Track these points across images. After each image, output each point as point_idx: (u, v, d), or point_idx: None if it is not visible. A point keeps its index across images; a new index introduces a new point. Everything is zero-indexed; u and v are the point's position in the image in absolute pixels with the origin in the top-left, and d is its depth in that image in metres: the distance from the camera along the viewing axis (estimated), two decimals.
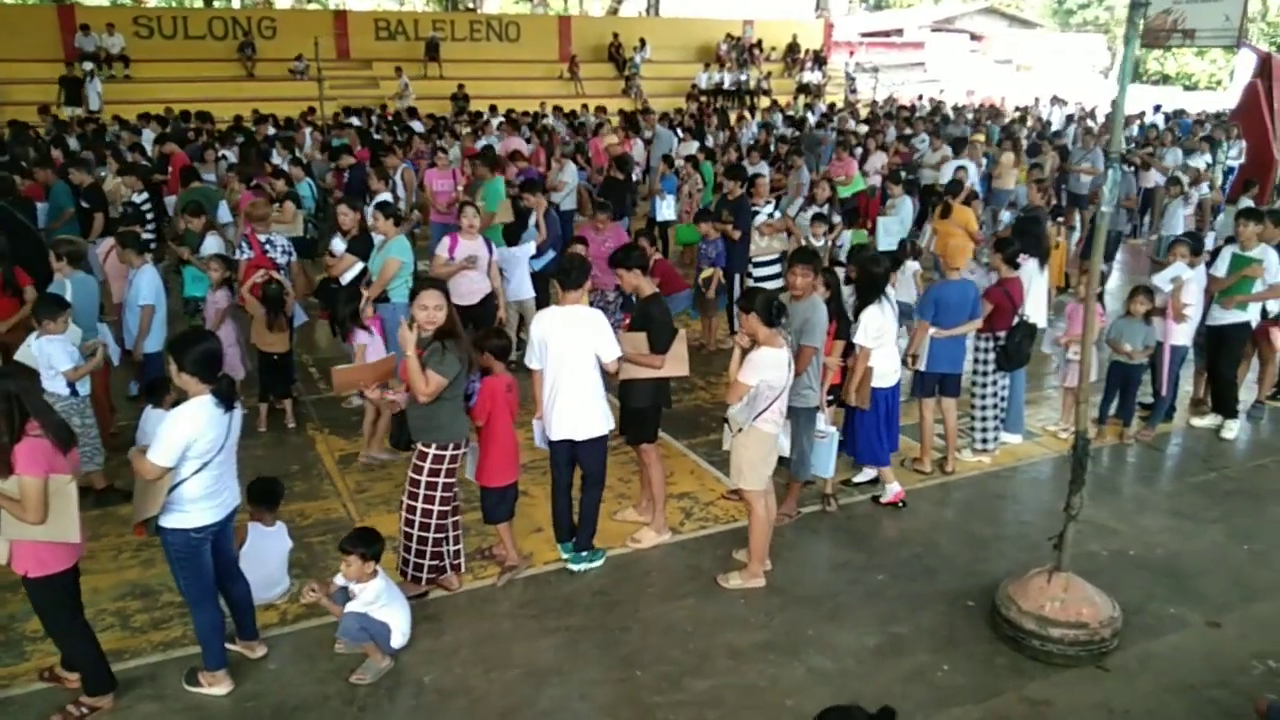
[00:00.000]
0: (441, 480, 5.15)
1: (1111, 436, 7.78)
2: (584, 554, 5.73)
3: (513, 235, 9.22)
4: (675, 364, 5.79)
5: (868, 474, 6.91)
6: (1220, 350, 7.79)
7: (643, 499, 6.35)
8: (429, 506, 5.16)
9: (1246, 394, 8.45)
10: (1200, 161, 14.51)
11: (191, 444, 4.25)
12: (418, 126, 19.12)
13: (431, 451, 5.10)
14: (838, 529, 6.35)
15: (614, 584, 5.62)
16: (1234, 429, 7.87)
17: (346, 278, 8.18)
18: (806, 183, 13.25)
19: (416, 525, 5.19)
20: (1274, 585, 5.68)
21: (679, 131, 18.86)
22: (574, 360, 5.30)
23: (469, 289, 8.03)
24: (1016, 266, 7.04)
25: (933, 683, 4.78)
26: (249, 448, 7.47)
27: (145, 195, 10.71)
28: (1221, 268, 7.72)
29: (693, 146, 16.49)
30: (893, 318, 6.41)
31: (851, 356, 6.34)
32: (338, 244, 8.39)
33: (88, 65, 22.78)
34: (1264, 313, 7.82)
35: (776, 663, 4.90)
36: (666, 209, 12.60)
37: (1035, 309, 7.39)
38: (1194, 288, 7.40)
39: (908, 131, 17.01)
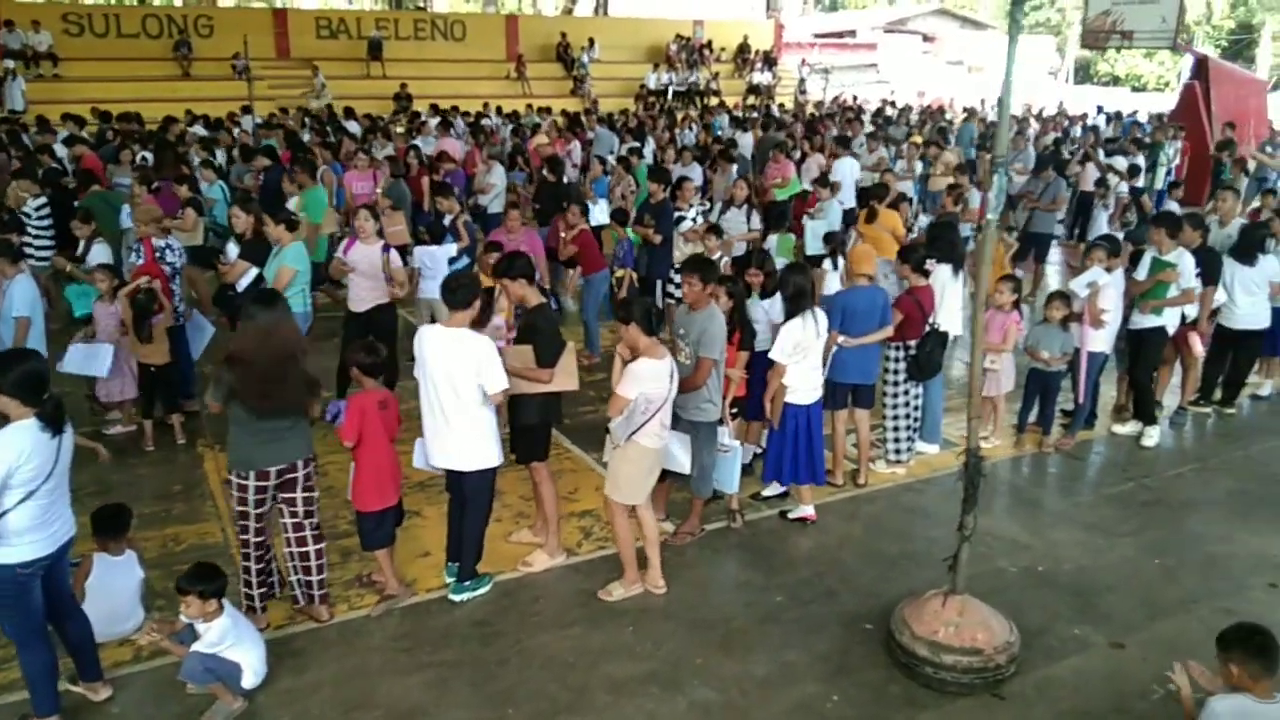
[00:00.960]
0: (237, 508, 4.89)
1: (1031, 445, 7.61)
2: (467, 582, 5.42)
3: (435, 234, 8.91)
4: (564, 378, 5.50)
5: (777, 487, 6.67)
6: (1138, 356, 7.65)
7: (538, 519, 6.05)
8: (243, 536, 4.93)
9: (1170, 399, 8.35)
10: (1124, 163, 14.43)
11: (13, 472, 3.90)
12: (353, 127, 18.64)
13: (232, 478, 4.83)
14: (741, 547, 6.10)
15: (498, 612, 5.32)
16: (1154, 436, 7.73)
17: (242, 284, 7.81)
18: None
19: (239, 554, 4.93)
20: (1180, 602, 5.51)
21: (620, 133, 18.62)
22: (454, 388, 4.96)
23: (356, 295, 7.72)
24: (925, 274, 6.83)
25: (820, 714, 4.54)
26: (133, 466, 7.14)
27: (43, 200, 10.21)
28: (1141, 271, 7.59)
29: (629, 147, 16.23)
30: (815, 333, 6.13)
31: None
32: (231, 249, 8.02)
33: (9, 63, 21.99)
34: (1183, 318, 7.70)
35: (658, 696, 4.63)
36: (599, 212, 12.30)
37: (949, 317, 7.20)
38: (1112, 292, 7.24)
39: (848, 134, 16.84)
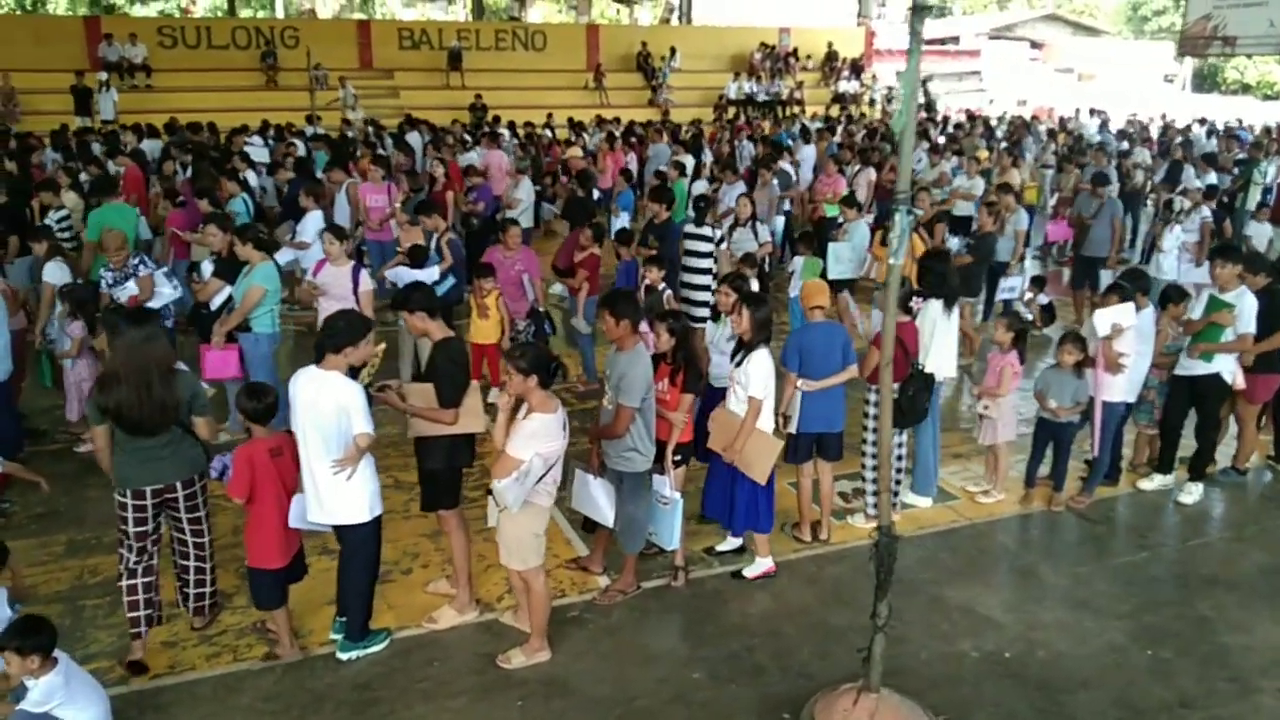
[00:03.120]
0: (119, 528, 4.79)
1: (1040, 501, 6.81)
2: (358, 640, 5.03)
3: (418, 255, 8.61)
4: (469, 419, 5.06)
5: (733, 542, 6.09)
6: (1195, 407, 6.77)
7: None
8: (123, 554, 4.84)
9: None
10: (1198, 182, 13.14)
11: None
12: (415, 139, 18.62)
13: (115, 497, 4.75)
14: (675, 610, 5.54)
15: (384, 675, 4.91)
16: (1195, 494, 6.84)
17: (215, 303, 7.66)
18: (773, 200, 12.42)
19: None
20: (1167, 707, 4.72)
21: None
22: (322, 435, 4.56)
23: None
24: (909, 311, 6.14)
25: None
26: (88, 489, 7.00)
27: (65, 212, 10.33)
28: (1196, 310, 6.71)
29: (689, 161, 15.71)
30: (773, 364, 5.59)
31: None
32: (205, 267, 7.86)
33: (102, 75, 22.88)
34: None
35: None
36: (621, 225, 11.88)
37: (940, 357, 6.48)
38: (1133, 335, 6.41)
39: None
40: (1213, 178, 13.96)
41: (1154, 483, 7.05)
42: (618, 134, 18.49)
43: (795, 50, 31.50)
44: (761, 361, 5.40)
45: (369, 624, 5.09)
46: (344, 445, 4.57)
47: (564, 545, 6.21)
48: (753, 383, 5.40)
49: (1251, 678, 4.93)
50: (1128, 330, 6.36)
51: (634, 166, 16.42)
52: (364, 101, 25.51)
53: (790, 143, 19.44)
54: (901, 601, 5.51)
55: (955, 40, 46.46)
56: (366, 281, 7.69)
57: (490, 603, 5.54)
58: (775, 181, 12.79)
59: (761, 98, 29.38)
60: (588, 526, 5.82)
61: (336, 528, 4.78)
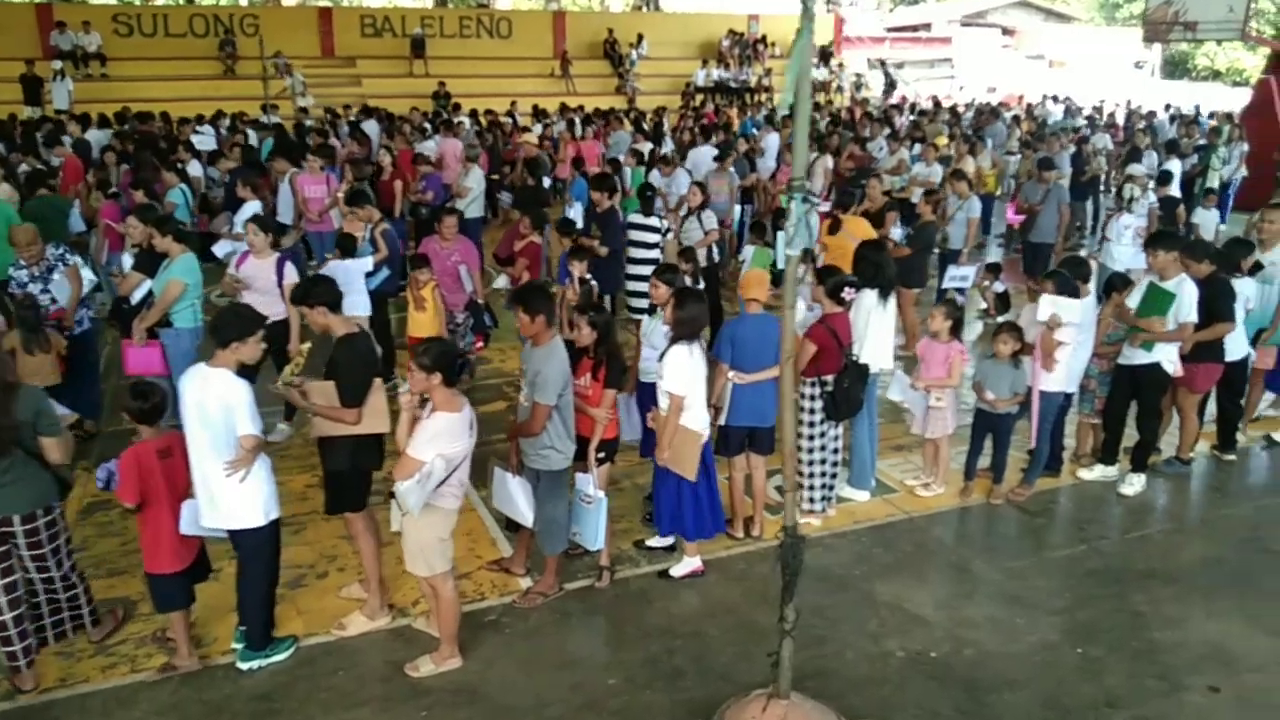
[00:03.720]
0: None
1: (980, 494, 6.68)
2: (260, 649, 4.82)
3: (349, 246, 8.36)
4: (373, 419, 4.86)
5: (663, 539, 5.92)
6: (1136, 397, 6.65)
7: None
8: None
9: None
10: (1168, 166, 13.05)
11: None
12: (372, 127, 18.28)
13: None
14: (595, 612, 5.37)
15: (287, 685, 4.71)
16: (1137, 485, 6.72)
17: (135, 297, 7.40)
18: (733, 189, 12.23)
19: None
20: (1093, 706, 4.59)
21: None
22: (211, 435, 4.34)
23: None
24: (841, 301, 5.98)
25: None
26: None
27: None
28: (1134, 298, 6.58)
29: (642, 149, 15.49)
30: (702, 362, 5.40)
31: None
32: (125, 260, 7.60)
33: (56, 64, 22.37)
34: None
35: None
36: (575, 216, 11.64)
37: (875, 348, 6.32)
38: (1072, 326, 6.26)
39: (866, 134, 15.80)
40: (1176, 164, 13.88)
41: (1095, 473, 6.93)
42: (578, 121, 18.24)
43: (764, 37, 31.28)
44: (677, 357, 5.22)
45: (271, 632, 4.89)
46: (234, 446, 4.36)
47: (489, 546, 6.02)
48: (668, 379, 5.22)
49: (1180, 675, 4.81)
50: (1067, 321, 6.22)
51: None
52: (326, 90, 25.14)
53: (755, 130, 19.27)
54: (831, 599, 5.42)
55: (927, 27, 46.40)
56: (292, 274, 7.44)
57: (405, 607, 5.35)
58: (733, 170, 12.61)
59: (731, 85, 29.18)
60: (511, 526, 5.63)
61: (231, 533, 4.56)
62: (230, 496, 4.41)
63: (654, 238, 8.79)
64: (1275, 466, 7.31)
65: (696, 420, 5.35)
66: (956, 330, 6.52)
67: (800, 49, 3.40)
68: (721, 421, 5.86)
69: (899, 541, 6.12)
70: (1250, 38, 17.09)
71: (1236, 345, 6.93)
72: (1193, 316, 6.27)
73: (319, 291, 4.84)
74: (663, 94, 28.09)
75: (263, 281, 7.29)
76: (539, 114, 21.34)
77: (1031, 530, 6.30)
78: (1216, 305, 6.38)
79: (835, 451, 6.30)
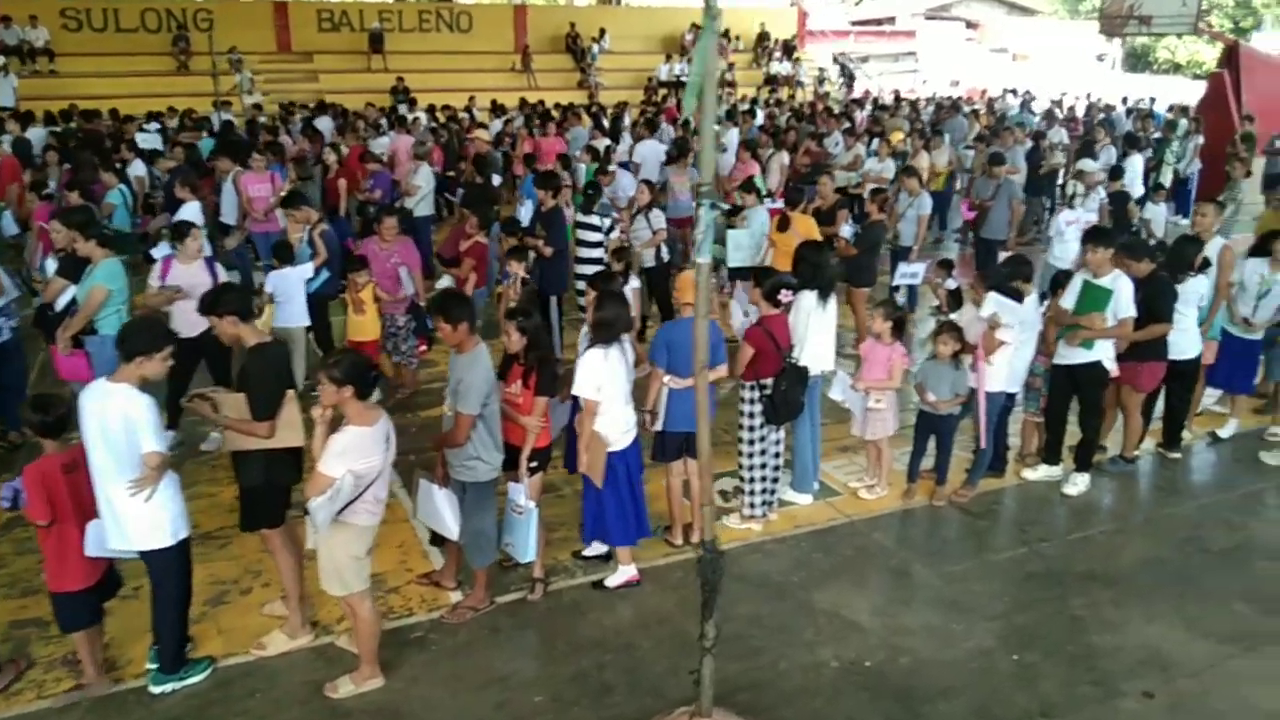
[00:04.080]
0: None
1: (923, 496, 6.61)
2: (173, 672, 4.65)
3: (286, 253, 8.15)
4: (286, 432, 4.69)
5: (599, 547, 5.79)
6: (1076, 396, 6.59)
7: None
8: None
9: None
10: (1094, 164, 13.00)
11: None
12: (325, 124, 17.99)
13: None
14: (526, 626, 5.23)
15: (199, 709, 4.54)
16: (1080, 484, 6.68)
17: (60, 302, 7.16)
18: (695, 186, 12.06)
19: None
20: (1025, 715, 4.52)
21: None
22: (112, 453, 4.15)
23: (184, 320, 6.95)
24: (778, 304, 5.87)
25: None
26: None
27: None
28: (1069, 297, 6.53)
29: (600, 146, 15.31)
30: (623, 368, 5.29)
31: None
32: (49, 265, 7.36)
33: (0, 59, 21.83)
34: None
35: None
36: (526, 214, 11.47)
37: (816, 350, 6.22)
38: (1014, 325, 6.20)
39: (823, 130, 15.73)
40: (1136, 159, 13.92)
41: (1040, 473, 6.88)
42: (537, 116, 18.04)
43: (727, 31, 31.10)
44: (591, 361, 5.11)
45: (185, 653, 4.72)
46: (138, 465, 4.18)
47: (420, 559, 5.86)
48: (578, 382, 5.11)
49: (1116, 681, 4.75)
50: (1007, 320, 6.16)
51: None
52: (282, 86, 24.78)
53: (716, 126, 19.12)
54: (768, 607, 5.33)
55: (891, 21, 46.50)
56: (224, 276, 7.24)
57: (328, 624, 5.18)
58: (693, 168, 12.46)
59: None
60: (436, 540, 5.48)
61: (141, 553, 4.38)
62: (135, 517, 4.23)
63: (596, 236, 8.66)
64: (1219, 464, 7.29)
65: (613, 425, 5.24)
66: (899, 331, 6.43)
67: (702, 49, 3.28)
68: (657, 427, 5.74)
69: (839, 546, 6.03)
70: (1203, 31, 17.19)
71: (1189, 344, 6.90)
72: (1131, 311, 6.24)
73: (228, 300, 4.67)
74: (626, 89, 27.89)
75: (198, 288, 7.05)
76: (497, 109, 21.06)
77: (973, 532, 6.23)
78: (1155, 305, 6.34)
79: (777, 455, 6.20)
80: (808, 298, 6.19)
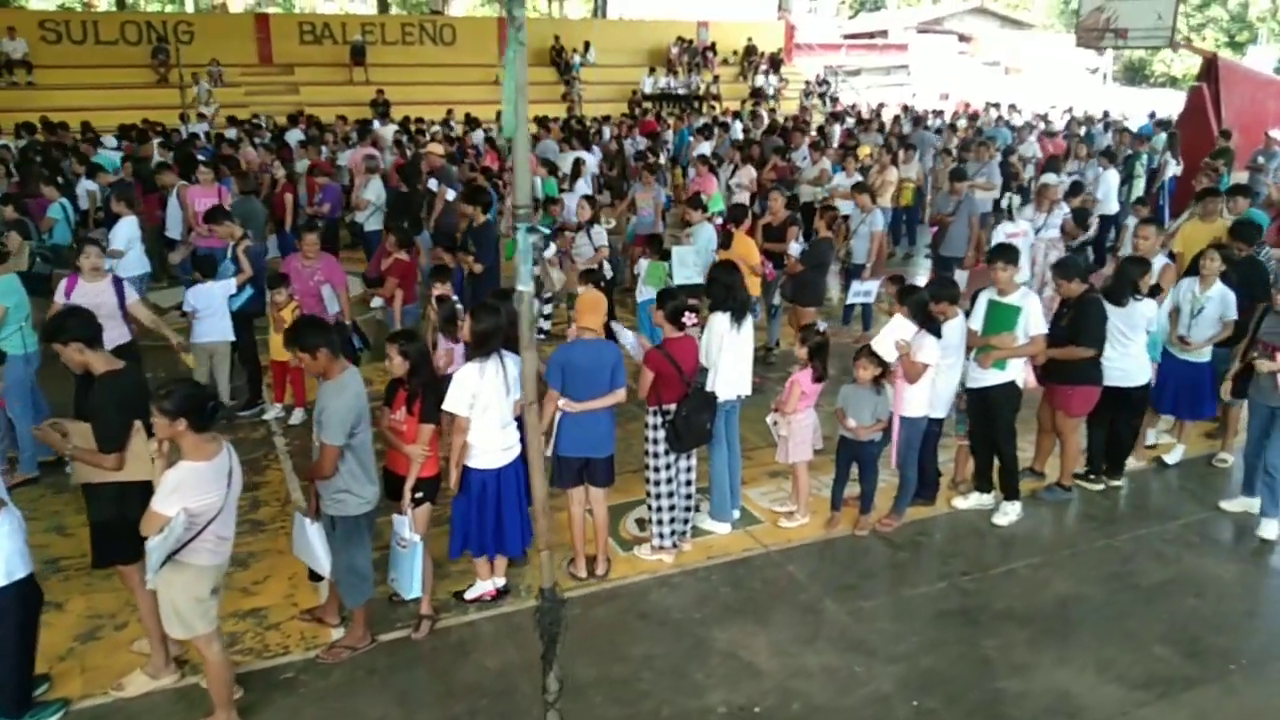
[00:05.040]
0: None
1: (846, 525, 6.34)
2: (24, 714, 4.40)
3: (208, 268, 7.93)
4: (137, 465, 4.44)
5: (481, 587, 5.51)
6: (988, 419, 6.34)
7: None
8: None
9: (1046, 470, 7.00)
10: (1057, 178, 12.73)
11: None
12: (296, 137, 17.79)
13: None
14: (404, 667, 4.97)
15: None
16: (1011, 513, 6.41)
17: None
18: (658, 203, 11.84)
19: None
20: None
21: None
22: None
23: None
24: (680, 326, 5.62)
25: None
26: None
27: None
28: (976, 319, 6.29)
29: (568, 159, 15.11)
30: (503, 385, 5.06)
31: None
32: None
33: None
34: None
35: None
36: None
37: (730, 375, 5.97)
38: (931, 344, 5.94)
39: (788, 144, 15.49)
40: (1112, 174, 13.66)
41: (970, 502, 6.62)
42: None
43: (713, 44, 31.04)
44: (464, 376, 4.91)
45: (32, 696, 4.46)
46: None
47: (309, 593, 5.59)
48: (448, 398, 4.89)
49: None
50: (920, 341, 5.91)
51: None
52: (263, 98, 24.67)
53: (690, 139, 18.96)
54: (663, 647, 5.07)
55: (884, 34, 46.37)
56: (132, 292, 7.03)
57: (197, 663, 4.91)
58: (656, 183, 12.27)
59: (679, 93, 28.89)
60: (316, 575, 5.22)
61: None
62: None
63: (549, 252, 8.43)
64: (1162, 493, 7.01)
65: (487, 442, 5.03)
66: (815, 356, 6.17)
67: (510, 61, 3.05)
68: (549, 452, 5.50)
69: (749, 579, 5.77)
70: (1179, 45, 16.96)
71: (1138, 370, 6.64)
72: (1042, 328, 6.02)
73: (71, 326, 4.43)
74: (610, 102, 27.78)
75: (104, 307, 6.83)
76: (470, 122, 20.87)
77: (893, 565, 5.96)
78: (1081, 325, 6.11)
79: (689, 484, 5.95)
80: (720, 320, 5.94)
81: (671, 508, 5.84)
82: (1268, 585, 5.73)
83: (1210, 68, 17.97)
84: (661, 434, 5.68)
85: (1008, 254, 6.11)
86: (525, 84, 3.09)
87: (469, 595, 5.48)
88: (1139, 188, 14.45)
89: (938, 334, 5.94)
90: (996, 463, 6.45)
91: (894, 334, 5.89)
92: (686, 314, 5.60)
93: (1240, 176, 15.32)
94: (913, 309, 5.90)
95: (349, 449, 4.59)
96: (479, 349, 4.98)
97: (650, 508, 5.89)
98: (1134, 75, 54.38)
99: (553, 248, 8.57)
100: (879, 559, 6.03)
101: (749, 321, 6.09)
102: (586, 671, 4.89)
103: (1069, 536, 6.36)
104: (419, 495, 5.09)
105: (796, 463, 6.25)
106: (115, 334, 6.90)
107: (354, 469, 4.66)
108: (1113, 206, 13.32)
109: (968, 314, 6.32)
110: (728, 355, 5.96)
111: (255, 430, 8.01)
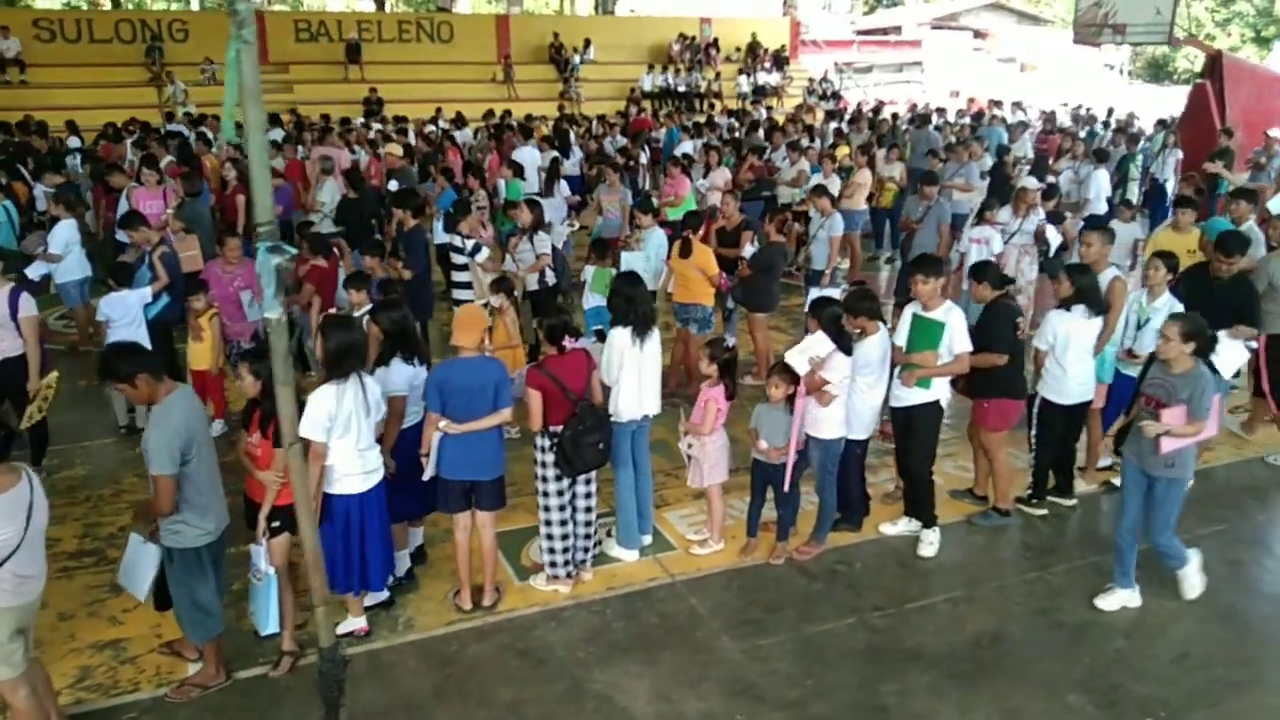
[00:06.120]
0: None
1: (763, 552, 5.96)
2: None
3: (124, 275, 7.65)
4: None
5: (353, 622, 5.18)
6: (908, 440, 5.95)
7: None
8: None
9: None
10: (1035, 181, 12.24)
11: None
12: (275, 135, 17.54)
13: None
14: (256, 708, 4.64)
15: None
16: (934, 543, 6.01)
17: None
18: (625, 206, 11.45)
19: None
20: None
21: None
22: None
23: None
24: (561, 348, 5.26)
25: None
26: None
27: None
28: (901, 333, 5.90)
29: (545, 159, 14.76)
30: (363, 404, 4.75)
31: None
32: None
33: None
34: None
35: None
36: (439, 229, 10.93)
37: (633, 393, 5.60)
38: (841, 363, 5.55)
39: (764, 143, 15.08)
40: (1102, 174, 13.13)
41: (899, 528, 6.22)
42: (489, 130, 17.50)
43: (716, 40, 30.58)
44: (319, 398, 4.58)
45: None
46: None
47: (174, 623, 5.26)
48: (303, 421, 4.54)
49: None
50: (831, 358, 5.52)
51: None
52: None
53: (679, 137, 18.57)
54: (535, 690, 4.74)
55: (897, 30, 45.70)
56: (28, 306, 6.74)
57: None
58: (625, 188, 11.91)
59: (679, 90, 28.47)
60: (160, 604, 4.90)
61: None
62: None
63: (459, 259, 8.10)
64: (1109, 519, 6.50)
65: (349, 467, 4.73)
66: (725, 373, 5.79)
67: (232, 62, 2.71)
68: (427, 475, 5.16)
69: (646, 613, 5.40)
70: (1178, 41, 16.39)
71: (1083, 388, 6.22)
72: (966, 346, 5.64)
73: None
74: (609, 99, 27.38)
75: None
76: (458, 121, 20.56)
77: (803, 598, 5.57)
78: (991, 331, 5.73)
79: (589, 510, 5.60)
80: (620, 335, 5.57)
81: (565, 536, 5.48)
82: (1204, 626, 5.29)
83: (1214, 64, 17.37)
84: (551, 457, 5.32)
85: (927, 265, 5.71)
86: (256, 86, 2.74)
87: (340, 630, 5.12)
88: (1133, 190, 13.94)
89: (848, 351, 5.55)
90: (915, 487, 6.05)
91: (809, 349, 5.50)
92: (567, 337, 5.24)
93: (1241, 177, 14.78)
94: (825, 323, 5.51)
95: (183, 477, 4.27)
96: (335, 369, 4.66)
97: (542, 535, 5.53)
98: (1157, 72, 53.41)
99: (484, 252, 8.22)
100: (789, 591, 5.63)
101: (654, 336, 5.72)
102: (448, 714, 4.55)
103: (998, 568, 5.93)
104: (275, 525, 4.77)
105: (710, 487, 5.87)
106: (7, 344, 6.67)
107: (190, 498, 4.34)
108: (1101, 207, 12.80)
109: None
110: (630, 373, 5.59)
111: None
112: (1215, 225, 8.05)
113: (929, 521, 6.01)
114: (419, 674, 4.87)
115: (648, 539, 6.07)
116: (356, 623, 5.10)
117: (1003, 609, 5.45)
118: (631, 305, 5.59)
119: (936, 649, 5.06)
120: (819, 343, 5.50)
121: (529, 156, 15.66)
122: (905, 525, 6.20)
